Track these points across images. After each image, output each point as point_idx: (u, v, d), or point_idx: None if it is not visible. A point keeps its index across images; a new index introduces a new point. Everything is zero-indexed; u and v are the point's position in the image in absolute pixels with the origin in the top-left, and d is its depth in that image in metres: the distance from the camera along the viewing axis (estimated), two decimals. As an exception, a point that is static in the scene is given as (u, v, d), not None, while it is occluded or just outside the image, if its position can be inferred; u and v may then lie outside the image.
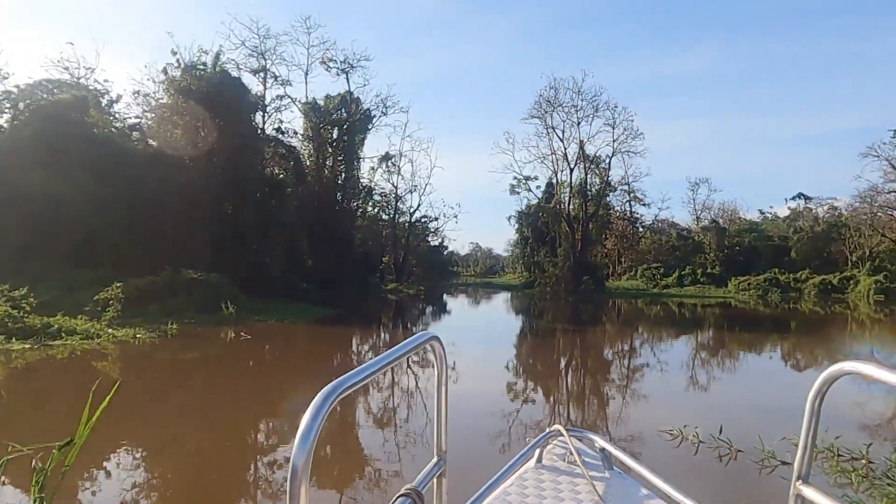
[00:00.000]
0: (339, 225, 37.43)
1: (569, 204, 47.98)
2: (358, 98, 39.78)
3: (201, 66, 29.40)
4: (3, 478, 4.62)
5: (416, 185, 50.65)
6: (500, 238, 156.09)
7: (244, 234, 29.12)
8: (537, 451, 2.07)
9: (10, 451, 2.70)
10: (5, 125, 26.71)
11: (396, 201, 48.79)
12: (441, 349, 1.48)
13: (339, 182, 38.95)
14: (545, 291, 45.35)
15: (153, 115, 29.68)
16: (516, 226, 57.57)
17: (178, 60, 28.33)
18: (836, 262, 56.01)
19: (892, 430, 8.34)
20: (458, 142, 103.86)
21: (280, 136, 34.84)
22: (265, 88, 34.55)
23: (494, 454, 6.67)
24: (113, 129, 30.39)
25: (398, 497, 1.29)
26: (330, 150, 38.39)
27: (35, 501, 2.56)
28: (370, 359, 1.17)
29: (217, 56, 30.45)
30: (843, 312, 33.36)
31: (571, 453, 2.01)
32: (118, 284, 15.98)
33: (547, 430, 2.20)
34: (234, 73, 31.77)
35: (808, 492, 1.39)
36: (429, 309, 35.83)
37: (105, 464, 6.09)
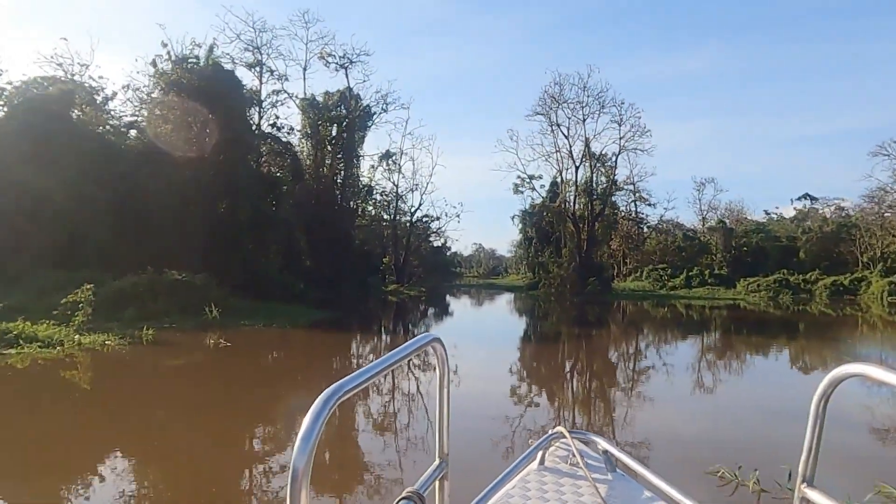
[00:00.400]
0: (339, 224, 36.02)
1: (574, 203, 46.43)
2: (358, 94, 38.43)
3: (193, 60, 28.07)
4: None
5: (417, 184, 49.27)
6: (504, 239, 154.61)
7: (238, 234, 27.77)
8: (540, 454, 2.01)
9: None
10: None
11: (397, 200, 47.40)
12: (443, 351, 1.45)
13: (339, 181, 37.57)
14: (550, 293, 43.76)
15: (144, 109, 28.31)
16: (520, 226, 56.07)
17: (168, 53, 26.98)
18: (846, 263, 54.64)
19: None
20: (459, 143, 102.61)
21: (276, 132, 33.41)
22: (261, 83, 33.28)
23: (496, 458, 6.45)
24: (108, 127, 29.12)
25: (400, 500, 1.25)
26: (329, 147, 37.03)
27: None
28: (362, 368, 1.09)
29: (210, 49, 29.12)
30: (856, 314, 32.03)
31: (574, 455, 1.95)
32: (88, 286, 14.57)
33: (549, 432, 2.11)
34: (229, 68, 30.41)
35: (813, 495, 1.36)
36: (430, 311, 34.38)
37: None
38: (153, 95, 28.04)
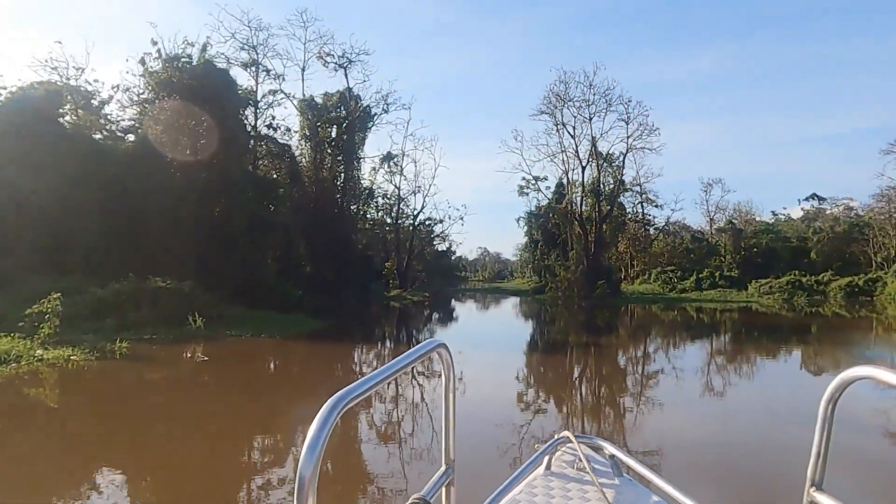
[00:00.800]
0: (339, 229, 34.64)
1: (581, 204, 44.73)
2: (358, 95, 37.08)
3: (186, 59, 26.79)
4: None
5: (419, 186, 47.71)
6: (509, 242, 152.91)
7: (233, 239, 26.41)
8: (546, 458, 1.97)
9: None
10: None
11: (399, 203, 45.87)
12: (449, 357, 1.45)
13: (339, 183, 36.21)
14: (557, 296, 42.15)
15: (134, 110, 27.05)
16: (525, 228, 54.54)
17: (158, 51, 25.69)
18: (859, 264, 53.04)
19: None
20: (461, 147, 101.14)
21: (272, 132, 32.06)
22: (257, 83, 31.92)
23: (502, 464, 6.25)
24: (105, 132, 27.89)
25: None
26: (328, 149, 35.70)
27: None
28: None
29: (204, 48, 27.88)
30: (872, 316, 30.46)
31: (581, 460, 1.91)
32: (55, 295, 13.20)
33: (556, 436, 2.06)
34: (224, 67, 29.10)
35: (822, 498, 1.33)
36: (434, 317, 32.91)
37: None
38: (143, 96, 26.76)
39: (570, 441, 2.02)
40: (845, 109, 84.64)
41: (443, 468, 1.50)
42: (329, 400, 0.98)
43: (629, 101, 42.45)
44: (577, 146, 43.75)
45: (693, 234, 62.48)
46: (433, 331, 26.01)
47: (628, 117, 42.35)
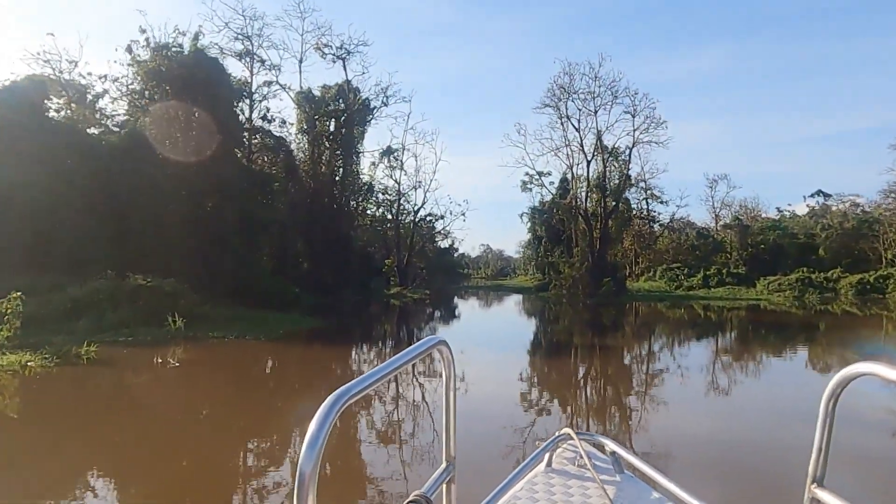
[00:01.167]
0: (338, 225, 33.38)
1: (586, 199, 43.18)
2: (357, 88, 35.77)
3: (177, 48, 25.52)
4: None
5: (420, 181, 46.04)
6: (511, 240, 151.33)
7: (225, 235, 25.17)
8: (547, 455, 1.95)
9: None
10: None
11: (399, 198, 44.43)
12: (449, 354, 1.43)
13: (337, 178, 34.90)
14: (561, 294, 40.76)
15: (124, 102, 25.82)
16: (528, 224, 53.11)
17: (147, 40, 24.42)
18: (868, 260, 51.57)
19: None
20: (463, 146, 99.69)
21: (266, 124, 30.74)
22: (252, 75, 30.63)
23: (505, 466, 5.65)
24: (101, 126, 26.66)
25: (407, 503, 1.22)
26: (326, 143, 34.42)
27: None
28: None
29: (196, 38, 26.55)
30: (883, 314, 29.22)
31: (582, 457, 1.90)
32: (16, 294, 11.98)
33: (556, 433, 2.04)
34: (217, 58, 27.82)
35: (824, 495, 1.33)
36: (435, 315, 31.60)
37: None
38: (133, 87, 25.53)
39: (572, 438, 1.99)
40: (846, 109, 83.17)
41: (443, 465, 1.47)
42: (329, 397, 0.95)
43: (635, 94, 40.87)
44: (581, 140, 42.26)
45: (699, 230, 61.02)
46: (434, 329, 24.80)
47: (634, 110, 40.80)
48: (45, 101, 24.99)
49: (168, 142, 24.40)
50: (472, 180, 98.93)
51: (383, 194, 43.60)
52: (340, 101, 34.74)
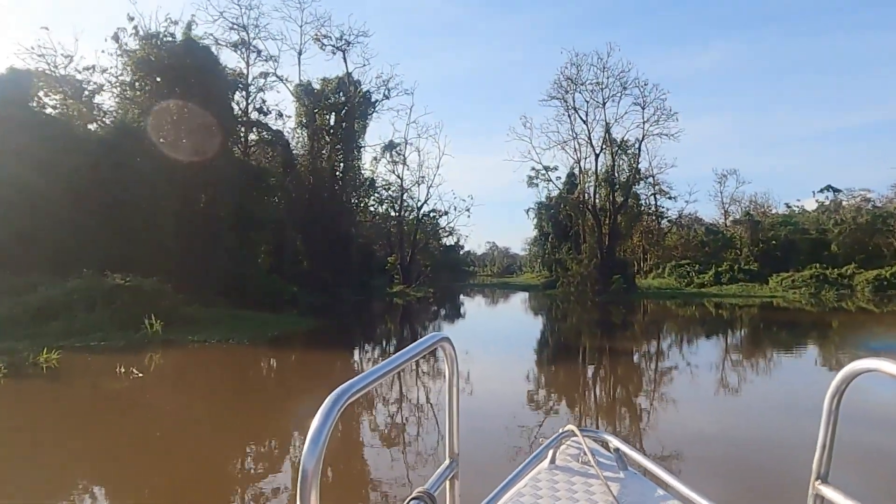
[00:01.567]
0: (338, 221, 31.99)
1: (594, 194, 41.51)
2: (357, 80, 34.36)
3: (168, 38, 24.19)
4: None
5: (423, 176, 44.45)
6: (517, 237, 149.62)
7: (219, 232, 23.86)
8: (551, 452, 1.95)
9: None
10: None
11: (402, 194, 42.87)
12: (452, 351, 1.40)
13: (338, 174, 33.50)
14: (569, 292, 39.18)
15: (114, 93, 24.52)
16: (535, 220, 51.55)
17: (136, 28, 23.08)
18: (883, 256, 49.80)
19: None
20: (467, 144, 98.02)
21: (262, 117, 29.37)
22: (248, 66, 29.24)
23: (510, 467, 3.10)
24: (98, 123, 25.36)
25: (410, 500, 1.23)
26: (326, 137, 33.01)
27: None
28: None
29: (189, 27, 25.23)
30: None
31: (585, 454, 1.90)
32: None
33: (560, 430, 2.04)
34: (212, 49, 26.49)
35: (828, 491, 1.32)
36: (440, 315, 30.17)
37: None
38: (122, 77, 24.22)
39: (575, 435, 1.98)
40: (854, 104, 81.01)
41: (447, 461, 1.45)
42: (332, 393, 0.94)
43: (645, 84, 39.01)
44: (589, 132, 40.49)
45: (707, 226, 59.32)
46: (438, 329, 23.36)
47: (644, 101, 38.95)
48: (35, 95, 23.78)
49: (159, 135, 23.10)
50: (477, 178, 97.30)
51: (385, 190, 42.17)
52: (341, 93, 33.35)
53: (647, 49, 78.09)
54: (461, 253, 65.00)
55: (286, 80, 31.70)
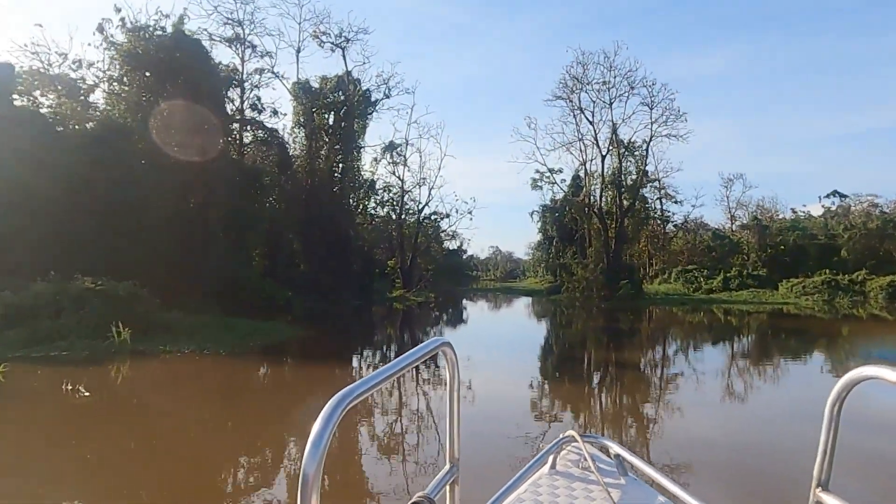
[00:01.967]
0: (337, 223, 30.62)
1: (601, 196, 39.92)
2: (357, 79, 33.08)
3: (159, 31, 22.95)
4: None
5: (424, 178, 43.07)
6: (520, 241, 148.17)
7: (209, 234, 22.56)
8: (551, 458, 1.91)
9: None
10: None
11: (403, 196, 41.42)
12: (453, 355, 1.39)
13: (336, 175, 32.18)
14: (575, 297, 37.66)
15: (100, 88, 23.27)
16: (539, 223, 50.09)
17: (122, 20, 21.84)
18: (894, 262, 48.26)
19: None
20: (470, 148, 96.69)
21: (257, 114, 28.05)
22: (242, 62, 27.96)
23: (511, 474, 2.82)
24: (92, 123, 24.13)
25: None
26: (325, 137, 31.70)
27: None
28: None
29: (181, 20, 23.98)
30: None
31: (585, 459, 1.88)
32: None
33: (561, 436, 2.00)
34: (205, 44, 25.24)
35: (829, 499, 1.31)
36: (441, 321, 28.76)
37: None
38: (110, 72, 22.97)
39: (576, 440, 1.97)
40: (859, 108, 79.61)
41: (447, 466, 1.45)
42: (332, 398, 0.93)
43: (653, 84, 37.44)
44: (595, 133, 38.92)
45: (714, 231, 57.82)
46: (441, 335, 21.90)
47: (652, 101, 37.47)
48: (14, 91, 22.55)
49: (147, 132, 21.84)
50: (480, 181, 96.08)
51: (386, 192, 40.76)
52: (340, 92, 32.06)
53: (652, 52, 76.93)
54: (464, 257, 63.57)
55: (283, 76, 30.43)
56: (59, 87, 24.81)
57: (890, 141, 74.25)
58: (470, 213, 45.00)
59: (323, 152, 31.49)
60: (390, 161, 39.66)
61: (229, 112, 25.78)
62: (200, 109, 22.37)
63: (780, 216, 60.79)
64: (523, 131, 52.53)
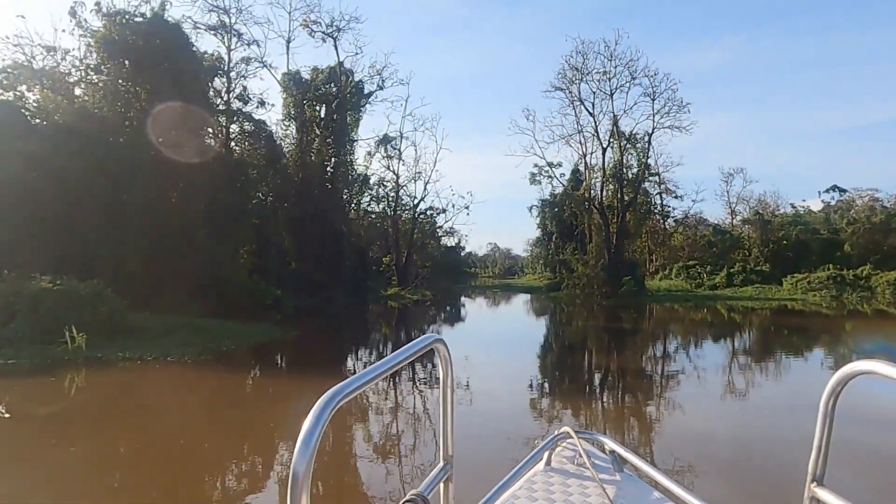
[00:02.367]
0: (329, 219, 29.30)
1: (601, 190, 38.39)
2: (350, 70, 31.71)
3: (139, 17, 21.58)
4: None
5: (419, 172, 41.35)
6: (519, 238, 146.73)
7: (191, 229, 21.24)
8: (546, 454, 1.89)
9: None
10: None
11: (398, 190, 39.92)
12: (446, 352, 1.37)
13: (329, 169, 30.83)
14: (575, 294, 36.31)
15: (74, 77, 21.90)
16: (538, 219, 48.59)
17: (97, 4, 20.46)
18: (898, 256, 47.14)
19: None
20: (467, 142, 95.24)
21: (243, 105, 26.68)
22: (228, 50, 26.56)
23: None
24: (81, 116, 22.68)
25: (404, 503, 1.19)
26: (317, 130, 30.36)
27: None
28: None
29: (162, 6, 22.60)
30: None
31: (581, 455, 1.85)
32: None
33: (556, 432, 1.99)
34: (186, 30, 23.83)
35: (823, 494, 1.30)
36: (438, 321, 27.47)
37: None
38: (87, 61, 21.60)
39: (571, 437, 1.95)
40: (859, 102, 78.16)
41: (441, 464, 1.43)
42: (324, 395, 0.91)
43: (655, 74, 35.88)
44: (596, 125, 37.39)
45: (714, 226, 56.56)
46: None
47: (654, 92, 36.01)
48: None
49: (123, 123, 20.54)
50: (477, 178, 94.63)
51: (380, 187, 39.28)
52: (332, 84, 30.71)
53: (651, 45, 75.52)
54: (462, 254, 62.20)
55: (272, 66, 29.05)
56: (45, 81, 23.44)
57: (891, 135, 72.96)
58: (467, 208, 43.66)
59: (314, 146, 30.15)
60: (385, 155, 38.24)
61: (214, 102, 24.41)
62: (181, 98, 21.04)
63: (781, 211, 59.62)
64: (521, 124, 51.37)
